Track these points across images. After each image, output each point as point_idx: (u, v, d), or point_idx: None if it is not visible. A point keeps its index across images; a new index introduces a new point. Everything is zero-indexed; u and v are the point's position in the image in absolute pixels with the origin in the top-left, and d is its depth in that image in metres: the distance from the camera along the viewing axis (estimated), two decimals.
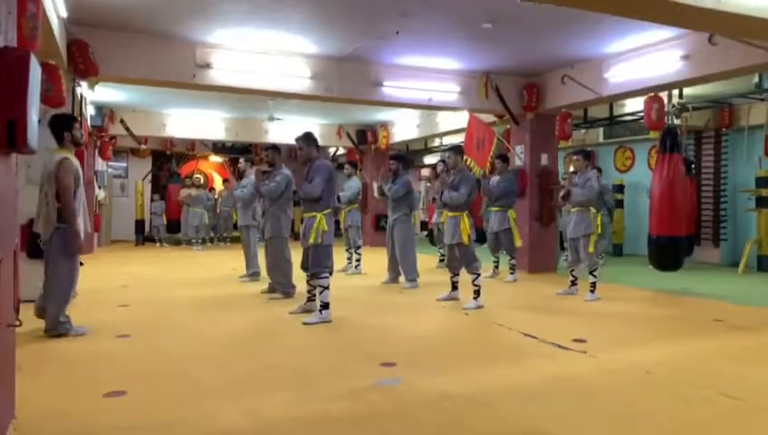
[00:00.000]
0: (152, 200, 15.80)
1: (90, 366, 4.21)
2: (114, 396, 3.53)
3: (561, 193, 7.32)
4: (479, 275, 6.54)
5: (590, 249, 6.99)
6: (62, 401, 3.48)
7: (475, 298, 6.50)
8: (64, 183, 4.74)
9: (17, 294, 3.10)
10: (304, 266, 5.86)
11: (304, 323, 5.57)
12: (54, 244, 4.83)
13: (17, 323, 3.05)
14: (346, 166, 10.00)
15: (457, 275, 6.90)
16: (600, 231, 7.08)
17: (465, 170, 6.77)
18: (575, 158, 7.26)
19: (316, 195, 5.63)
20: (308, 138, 5.90)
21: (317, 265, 5.66)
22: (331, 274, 5.74)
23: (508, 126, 10.33)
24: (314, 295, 5.92)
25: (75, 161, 4.96)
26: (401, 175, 8.16)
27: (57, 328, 4.97)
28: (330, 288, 5.71)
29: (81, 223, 4.95)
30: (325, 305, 5.67)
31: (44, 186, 4.85)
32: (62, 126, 4.97)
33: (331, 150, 17.34)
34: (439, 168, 8.38)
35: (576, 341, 4.92)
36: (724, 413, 3.35)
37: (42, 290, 5.03)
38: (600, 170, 11.52)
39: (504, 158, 9.00)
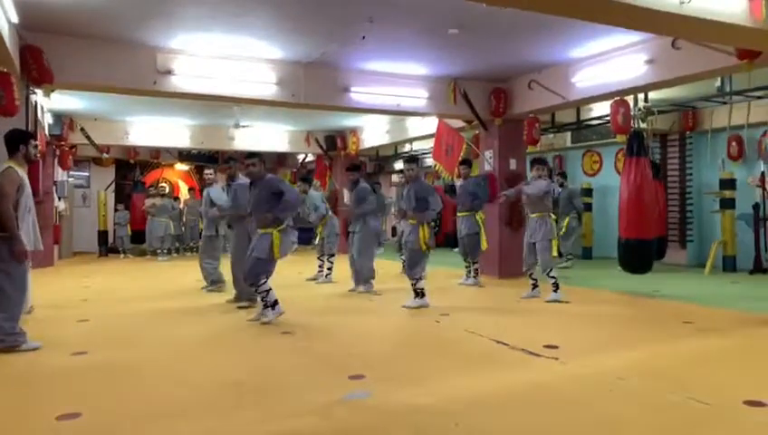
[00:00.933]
0: (116, 210, 15.40)
1: (43, 386, 4.00)
2: (68, 419, 3.33)
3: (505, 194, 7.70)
4: (418, 280, 6.77)
5: (554, 253, 7.25)
6: (10, 426, 3.28)
7: (417, 298, 6.77)
8: (2, 189, 4.64)
9: None
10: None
11: (262, 323, 5.85)
12: (0, 253, 4.70)
13: None
14: (299, 184, 9.65)
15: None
16: (563, 232, 7.26)
17: (423, 181, 6.98)
18: (536, 167, 7.44)
19: (295, 207, 6.07)
20: (261, 156, 6.16)
21: (254, 275, 5.90)
22: (268, 277, 5.97)
23: (477, 131, 10.33)
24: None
25: (20, 172, 4.85)
26: (360, 183, 8.26)
27: (7, 340, 4.77)
28: (272, 289, 5.98)
29: (24, 233, 4.79)
30: (274, 303, 5.95)
31: None
32: (18, 140, 4.92)
33: (300, 157, 17.18)
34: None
35: (547, 347, 4.87)
36: (694, 418, 3.32)
37: None
38: (564, 176, 11.60)
39: (466, 162, 8.96)
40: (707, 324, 5.85)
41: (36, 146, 5.07)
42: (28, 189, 4.89)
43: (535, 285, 7.46)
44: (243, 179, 6.93)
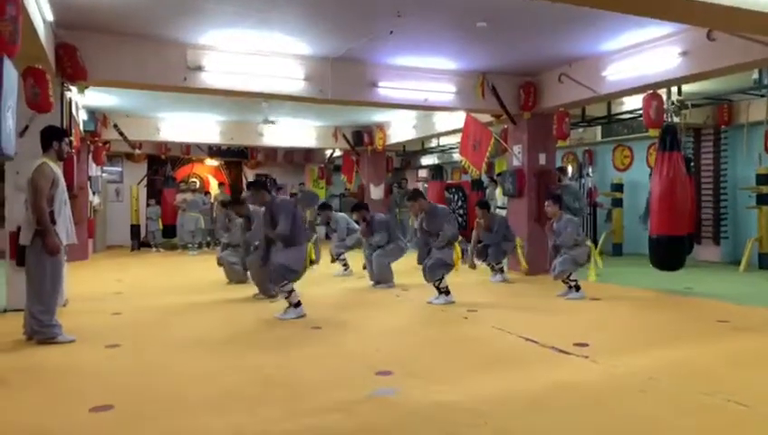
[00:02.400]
0: (148, 205, 15.65)
1: (76, 378, 4.10)
2: (100, 411, 3.41)
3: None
4: (441, 280, 6.81)
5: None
6: (44, 417, 3.36)
7: (442, 296, 6.82)
8: (36, 184, 4.76)
9: None
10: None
11: (278, 318, 5.98)
12: (35, 247, 4.83)
13: None
14: (319, 213, 10.18)
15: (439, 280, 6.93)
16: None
17: (435, 208, 7.01)
18: (546, 204, 7.46)
19: (287, 233, 6.01)
20: (256, 186, 6.36)
21: (279, 277, 6.03)
22: (291, 281, 6.09)
23: (505, 126, 10.22)
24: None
25: (54, 166, 4.96)
26: (374, 220, 8.41)
27: (45, 332, 4.92)
28: (295, 290, 6.11)
29: (62, 227, 4.92)
30: (297, 304, 6.07)
31: (25, 193, 4.87)
32: (52, 136, 5.05)
33: (328, 152, 17.24)
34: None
35: (578, 345, 4.80)
36: (731, 421, 3.23)
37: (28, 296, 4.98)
38: (563, 171, 11.00)
39: (483, 205, 8.79)
40: (743, 323, 5.71)
41: (69, 143, 5.20)
42: (62, 184, 5.00)
43: (569, 286, 7.23)
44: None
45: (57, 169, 4.99)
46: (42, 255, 4.84)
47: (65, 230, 4.97)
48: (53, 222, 4.84)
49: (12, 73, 2.64)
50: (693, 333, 5.34)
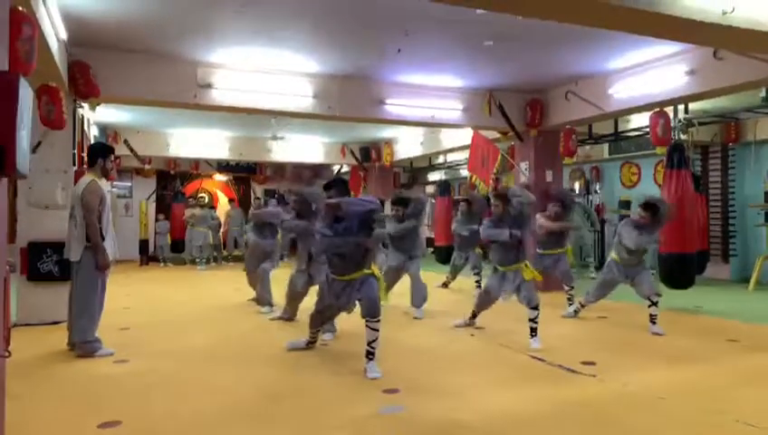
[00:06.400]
0: (157, 220, 15.76)
1: (86, 393, 4.12)
2: (109, 426, 3.42)
3: None
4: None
5: None
6: (54, 432, 3.38)
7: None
8: (88, 203, 4.87)
9: (7, 322, 3.00)
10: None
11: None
12: (84, 263, 4.93)
13: (6, 353, 2.95)
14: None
15: None
16: None
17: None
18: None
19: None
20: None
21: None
22: None
23: (512, 143, 10.26)
24: None
25: (102, 184, 5.09)
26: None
27: (86, 347, 5.02)
28: None
29: (109, 242, 5.02)
30: None
31: (73, 209, 4.97)
32: (99, 153, 5.21)
33: (336, 168, 17.32)
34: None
35: (585, 363, 4.78)
36: None
37: (72, 309, 5.10)
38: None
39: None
40: (753, 342, 5.67)
41: (113, 162, 5.35)
42: (109, 201, 5.14)
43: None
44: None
45: (104, 186, 5.12)
46: (92, 270, 4.94)
47: (111, 246, 5.07)
48: (102, 238, 4.93)
49: (27, 92, 2.70)
50: (702, 353, 5.31)
